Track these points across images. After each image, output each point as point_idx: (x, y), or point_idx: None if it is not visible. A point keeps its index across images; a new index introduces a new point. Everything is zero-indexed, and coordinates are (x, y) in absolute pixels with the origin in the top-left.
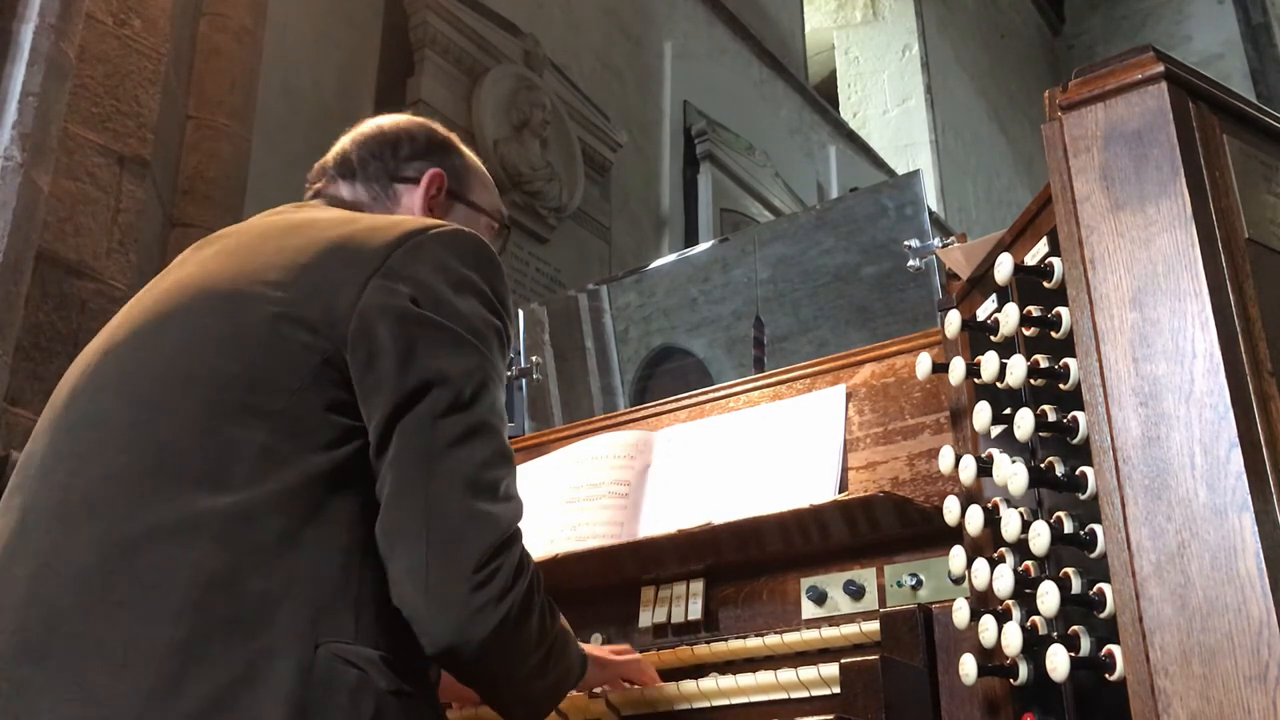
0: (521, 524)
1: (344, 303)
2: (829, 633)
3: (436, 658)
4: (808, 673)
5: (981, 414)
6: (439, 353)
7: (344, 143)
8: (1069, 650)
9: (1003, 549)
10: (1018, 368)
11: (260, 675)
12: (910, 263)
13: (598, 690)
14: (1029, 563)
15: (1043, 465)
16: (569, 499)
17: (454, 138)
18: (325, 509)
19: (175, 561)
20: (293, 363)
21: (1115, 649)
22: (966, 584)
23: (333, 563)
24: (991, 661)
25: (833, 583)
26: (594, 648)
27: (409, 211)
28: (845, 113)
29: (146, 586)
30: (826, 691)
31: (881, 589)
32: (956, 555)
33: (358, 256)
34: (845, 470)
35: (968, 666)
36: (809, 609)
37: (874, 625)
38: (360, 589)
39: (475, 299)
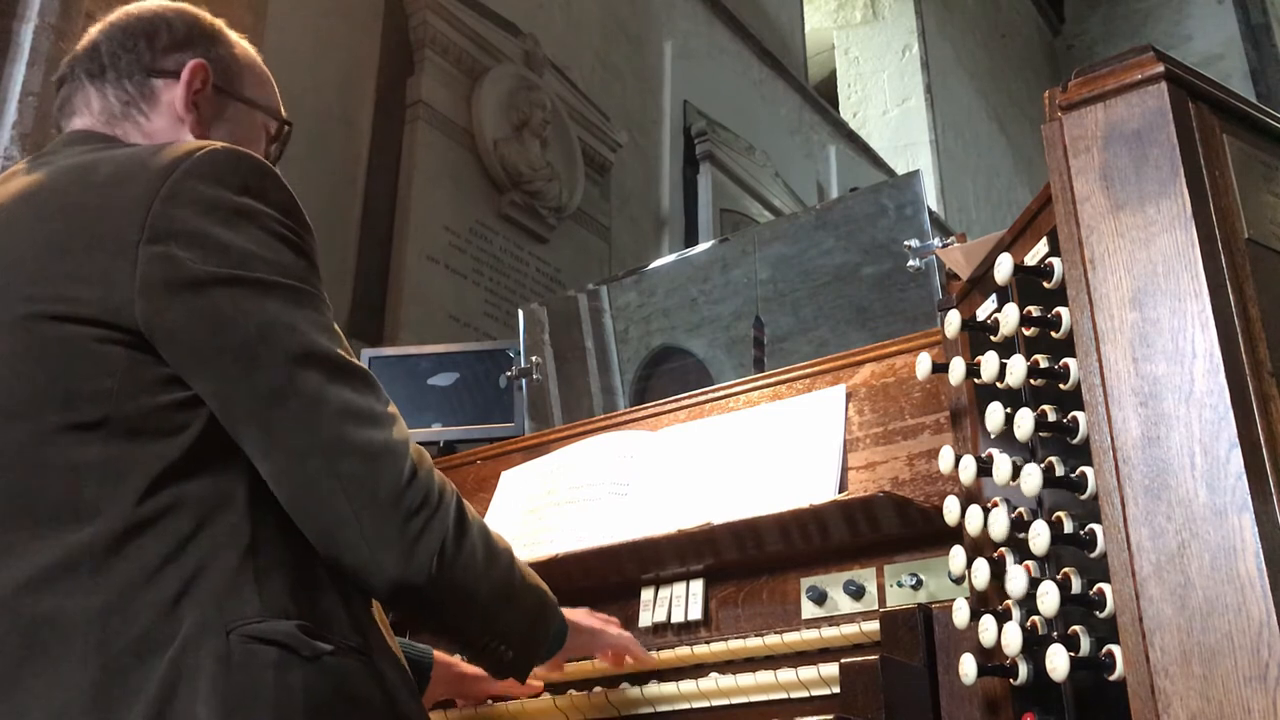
0: (489, 497)
1: (120, 285)
2: (829, 633)
3: (392, 601)
4: (807, 673)
5: (994, 414)
6: (249, 310)
7: (93, 33)
8: (1069, 650)
9: (1002, 549)
10: (1018, 368)
11: (183, 679)
12: (910, 263)
13: (583, 660)
14: (1029, 563)
15: (1043, 465)
16: (569, 499)
17: (222, 25)
18: (192, 498)
19: (60, 608)
20: (94, 364)
21: (1115, 649)
22: (966, 584)
23: (220, 548)
24: (991, 661)
25: (833, 583)
26: (579, 612)
27: (170, 111)
28: (845, 113)
29: (40, 641)
30: (826, 691)
31: (881, 589)
32: (956, 555)
33: (112, 225)
34: (845, 470)
35: (968, 666)
36: (809, 609)
37: (874, 625)
38: (256, 563)
39: (254, 225)
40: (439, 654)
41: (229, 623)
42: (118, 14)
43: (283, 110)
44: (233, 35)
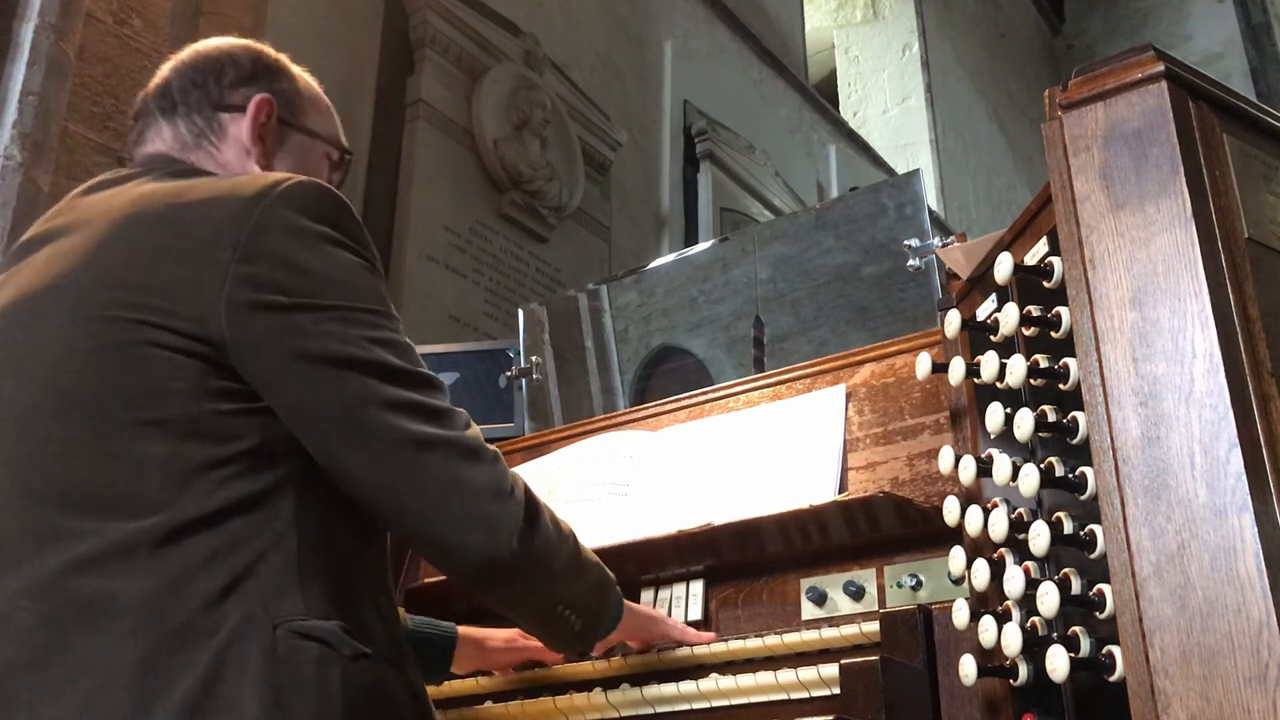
0: None
1: (209, 300)
2: (829, 633)
3: (479, 576)
4: (807, 673)
5: (994, 415)
6: (329, 329)
7: (164, 71)
8: (1069, 651)
9: (1002, 550)
10: (1017, 368)
11: (228, 667)
12: (910, 262)
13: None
14: (1029, 563)
15: (1042, 465)
16: (569, 499)
17: (285, 60)
18: (243, 504)
19: (111, 589)
20: (171, 368)
21: (1115, 649)
22: (966, 585)
23: (267, 552)
24: (991, 662)
25: (833, 583)
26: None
27: (237, 143)
28: (845, 112)
29: (90, 619)
30: (826, 692)
31: (881, 589)
32: (956, 556)
33: (206, 242)
34: (845, 470)
35: (967, 667)
36: (809, 609)
37: (874, 626)
38: (302, 564)
39: (333, 252)
40: (463, 629)
41: (275, 618)
42: (187, 52)
43: (343, 139)
44: (295, 69)
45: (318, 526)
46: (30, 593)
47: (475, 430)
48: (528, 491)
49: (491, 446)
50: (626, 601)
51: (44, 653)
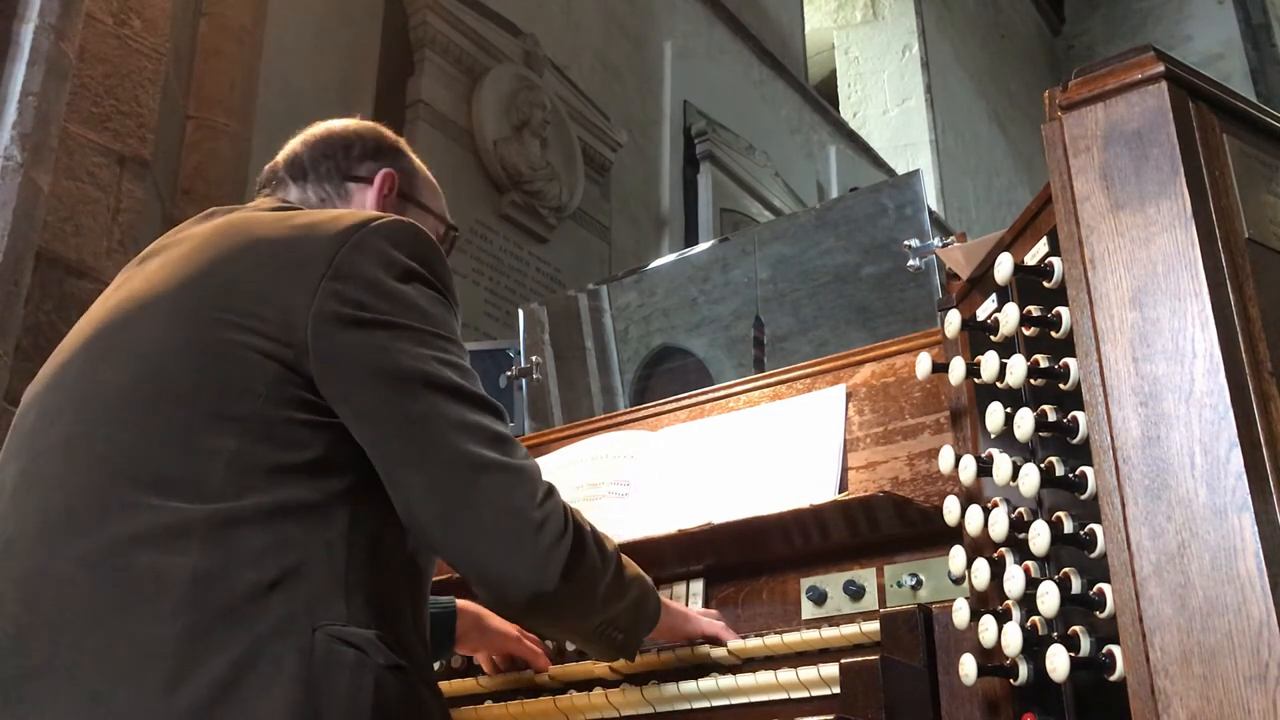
0: None
1: (298, 308)
2: (829, 633)
3: (526, 608)
4: (808, 673)
5: (994, 414)
6: (405, 349)
7: (294, 145)
8: (1069, 650)
9: (1002, 549)
10: (1018, 368)
11: (263, 660)
12: (910, 262)
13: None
14: (1029, 563)
15: (1043, 465)
16: (569, 499)
17: (402, 142)
18: (300, 508)
19: (164, 564)
20: (253, 369)
21: (1115, 649)
22: (966, 584)
23: (319, 555)
24: (991, 661)
25: (833, 583)
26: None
27: (360, 209)
28: (845, 113)
29: (140, 589)
30: (826, 692)
31: (881, 589)
32: (956, 555)
33: (303, 258)
34: (845, 470)
35: (968, 666)
36: (809, 609)
37: (874, 625)
38: (348, 575)
39: (421, 284)
40: (461, 602)
41: (316, 620)
42: (318, 129)
43: (449, 217)
44: (408, 149)
45: (368, 541)
46: (88, 560)
47: (530, 457)
48: (577, 521)
49: (547, 480)
50: (664, 600)
51: (91, 616)
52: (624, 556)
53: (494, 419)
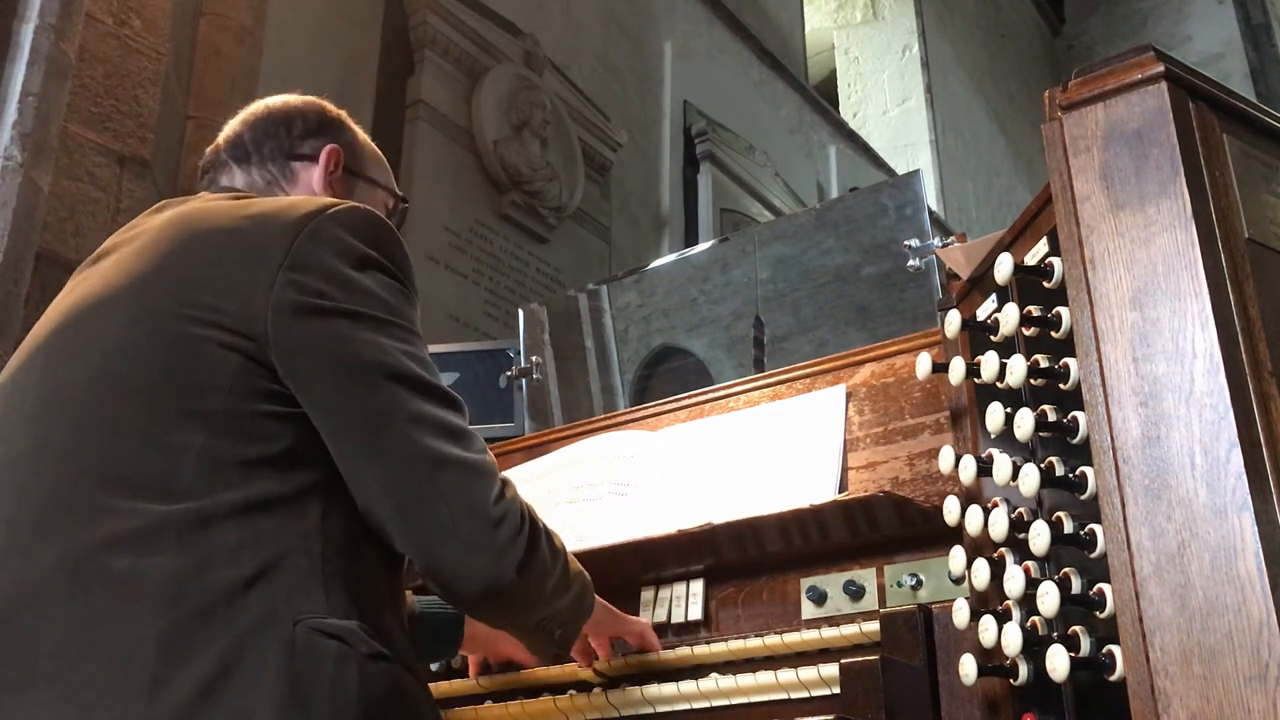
0: None
1: (257, 300)
2: (829, 633)
3: (478, 602)
4: (808, 673)
5: (995, 415)
6: (365, 338)
7: (234, 125)
8: (1069, 650)
9: (1002, 549)
10: (1018, 368)
11: (246, 657)
12: (910, 263)
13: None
14: (1029, 563)
15: (1043, 465)
16: (569, 499)
17: (345, 115)
18: (273, 501)
19: (141, 567)
20: (217, 363)
21: (1115, 649)
22: (966, 584)
23: (296, 548)
24: (991, 661)
25: (833, 583)
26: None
27: (308, 189)
28: (845, 113)
29: (117, 593)
30: (826, 692)
31: (881, 589)
32: (956, 555)
33: (260, 248)
34: (845, 470)
35: (968, 667)
36: (809, 609)
37: (874, 625)
38: (326, 567)
39: (379, 271)
40: None
41: (296, 614)
42: (257, 107)
43: (397, 189)
44: (352, 123)
45: (344, 532)
46: (63, 565)
47: (489, 451)
48: (532, 518)
49: (505, 474)
50: (598, 599)
51: (70, 624)
52: (569, 553)
53: (453, 412)
